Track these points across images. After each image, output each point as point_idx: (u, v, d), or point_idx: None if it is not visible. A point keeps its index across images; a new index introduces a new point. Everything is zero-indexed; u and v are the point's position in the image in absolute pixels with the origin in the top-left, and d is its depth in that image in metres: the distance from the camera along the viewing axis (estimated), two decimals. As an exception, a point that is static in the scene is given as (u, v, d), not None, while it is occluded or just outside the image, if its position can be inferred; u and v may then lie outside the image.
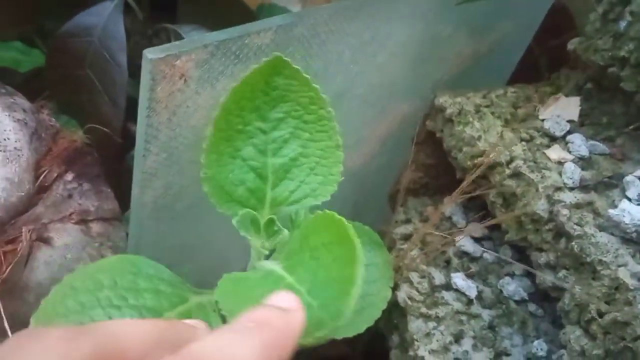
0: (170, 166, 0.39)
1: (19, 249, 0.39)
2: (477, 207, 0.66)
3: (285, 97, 0.40)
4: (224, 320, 0.41)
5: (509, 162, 0.54)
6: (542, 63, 0.91)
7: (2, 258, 0.38)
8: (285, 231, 0.42)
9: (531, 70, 0.85)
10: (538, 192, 0.52)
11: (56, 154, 0.45)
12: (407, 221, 0.67)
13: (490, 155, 0.55)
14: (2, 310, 0.33)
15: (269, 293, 0.35)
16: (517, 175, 0.54)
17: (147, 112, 0.34)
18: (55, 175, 0.45)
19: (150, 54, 0.32)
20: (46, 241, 0.42)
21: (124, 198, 0.56)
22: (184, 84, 0.34)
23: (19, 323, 0.39)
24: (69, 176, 0.46)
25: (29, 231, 0.40)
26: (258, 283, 0.38)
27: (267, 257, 0.43)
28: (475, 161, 0.56)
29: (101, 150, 0.55)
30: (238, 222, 0.40)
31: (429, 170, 0.68)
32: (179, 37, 0.61)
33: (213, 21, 0.60)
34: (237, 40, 0.36)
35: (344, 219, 0.36)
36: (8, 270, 0.38)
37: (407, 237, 0.64)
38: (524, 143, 0.56)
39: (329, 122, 0.42)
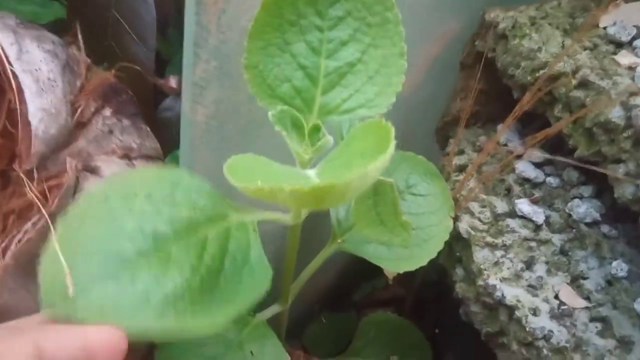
0: (222, 78, 0.35)
1: (64, 181, 0.36)
2: (534, 132, 0.62)
3: None
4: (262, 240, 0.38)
5: (575, 72, 0.50)
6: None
7: (48, 193, 0.35)
8: (330, 137, 0.38)
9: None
10: (611, 99, 0.47)
11: (91, 90, 0.42)
12: (460, 152, 0.63)
13: (556, 66, 0.50)
14: (58, 247, 0.30)
15: (283, 176, 0.32)
16: (585, 84, 0.50)
17: (195, 8, 0.30)
18: (92, 110, 0.41)
19: None
20: (93, 171, 0.39)
21: (162, 144, 0.53)
22: (234, -26, 0.30)
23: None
24: (107, 111, 0.42)
25: (74, 161, 0.37)
26: (275, 167, 0.34)
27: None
28: (537, 75, 0.52)
29: (135, 92, 0.52)
30: (274, 116, 0.36)
31: (479, 97, 0.64)
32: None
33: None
34: None
35: (390, 126, 0.32)
36: (55, 203, 0.35)
37: (461, 169, 0.61)
38: (588, 51, 0.52)
39: (395, 26, 0.38)
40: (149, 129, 0.45)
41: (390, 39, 0.37)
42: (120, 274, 0.32)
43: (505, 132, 0.61)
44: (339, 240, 0.52)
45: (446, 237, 0.51)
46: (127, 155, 0.42)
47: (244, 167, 0.31)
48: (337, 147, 0.36)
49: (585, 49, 0.52)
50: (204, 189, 0.37)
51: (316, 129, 0.37)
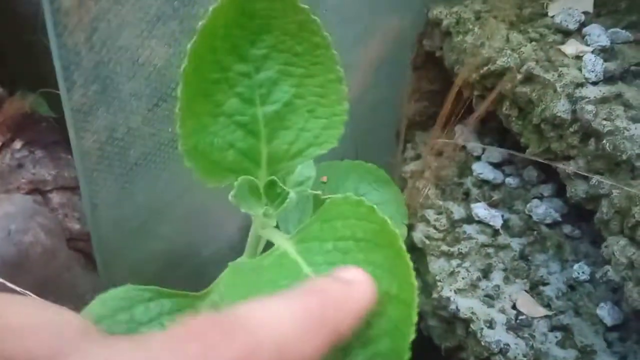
0: (109, 102, 0.33)
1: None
2: (493, 132, 0.59)
3: (267, 27, 0.32)
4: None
5: (519, 66, 0.47)
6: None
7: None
8: (291, 193, 0.34)
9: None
10: (557, 92, 0.45)
11: (0, 122, 0.40)
12: (417, 157, 0.60)
13: (499, 62, 0.48)
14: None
15: (282, 283, 0.28)
16: (530, 78, 0.47)
17: (55, 29, 0.28)
18: (0, 144, 0.39)
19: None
20: (-16, 212, 0.37)
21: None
22: (97, -10, 0.28)
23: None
24: (17, 144, 0.40)
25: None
26: (269, 272, 0.31)
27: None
28: (481, 71, 0.49)
29: (63, 117, 0.50)
30: (236, 196, 0.32)
31: (434, 98, 0.61)
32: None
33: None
34: None
35: (376, 209, 0.28)
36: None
37: (418, 175, 0.58)
38: (534, 43, 0.49)
39: (326, 50, 0.33)
40: (70, 157, 0.43)
41: (324, 65, 0.33)
42: None
43: (462, 134, 0.59)
44: None
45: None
46: (37, 190, 0.39)
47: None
48: (313, 217, 0.32)
49: (531, 40, 0.49)
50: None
51: (272, 185, 0.34)
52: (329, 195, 0.39)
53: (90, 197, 0.34)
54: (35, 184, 0.39)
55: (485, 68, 0.49)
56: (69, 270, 0.38)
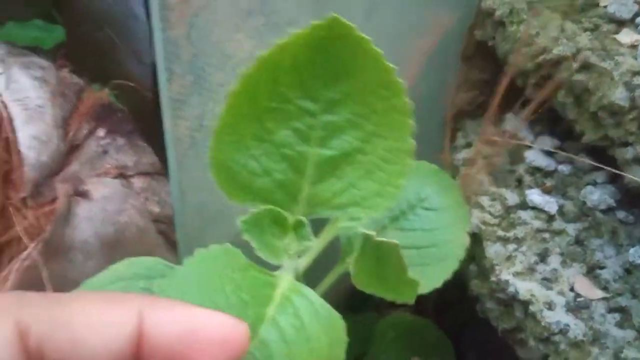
0: (200, 92, 0.35)
1: (57, 208, 0.36)
2: (543, 120, 0.60)
3: (344, 73, 0.31)
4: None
5: (575, 55, 0.49)
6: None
7: (41, 220, 0.36)
8: (314, 239, 0.33)
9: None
10: (614, 80, 0.46)
11: (84, 111, 0.42)
12: (468, 145, 0.61)
13: (555, 50, 0.49)
14: (45, 274, 0.30)
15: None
16: (586, 67, 0.48)
17: (161, 24, 0.30)
18: (85, 132, 0.42)
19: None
20: (84, 195, 0.39)
21: (163, 159, 0.53)
22: (198, -13, 0.30)
23: (68, 284, 0.36)
24: (101, 132, 0.43)
25: (64, 186, 0.38)
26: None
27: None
28: (537, 60, 0.50)
29: (133, 108, 0.52)
30: (245, 222, 0.31)
31: (484, 87, 0.62)
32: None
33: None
34: None
35: None
36: (49, 230, 0.36)
37: (470, 162, 0.59)
38: (588, 33, 0.50)
39: (402, 116, 0.32)
40: (146, 144, 0.46)
41: (398, 132, 0.32)
42: None
43: (513, 122, 0.60)
44: (347, 260, 0.49)
45: (462, 255, 0.47)
46: (122, 174, 0.42)
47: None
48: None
49: (585, 30, 0.50)
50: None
51: (300, 225, 0.33)
52: (382, 239, 0.36)
53: (179, 182, 0.36)
54: (120, 169, 0.42)
55: (541, 57, 0.50)
56: (157, 250, 0.41)
